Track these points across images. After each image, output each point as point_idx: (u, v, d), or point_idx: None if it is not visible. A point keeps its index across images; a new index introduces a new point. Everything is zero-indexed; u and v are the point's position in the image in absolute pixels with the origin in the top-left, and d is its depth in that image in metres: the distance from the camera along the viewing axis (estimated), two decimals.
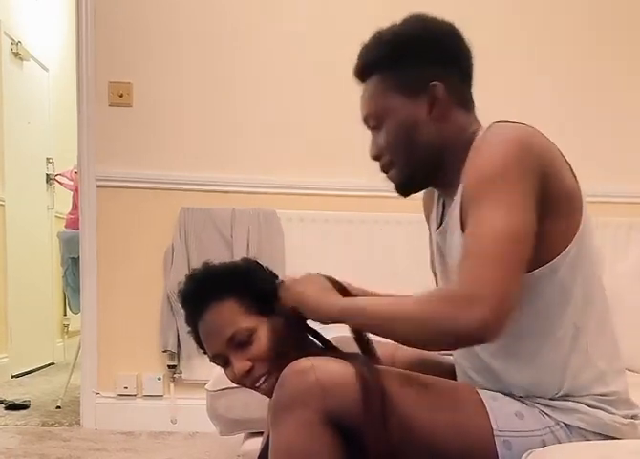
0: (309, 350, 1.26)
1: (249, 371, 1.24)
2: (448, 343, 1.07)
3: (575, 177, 1.14)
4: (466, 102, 1.22)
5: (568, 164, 1.14)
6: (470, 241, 1.04)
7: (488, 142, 1.11)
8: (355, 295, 1.34)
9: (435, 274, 1.40)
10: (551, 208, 1.08)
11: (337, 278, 1.33)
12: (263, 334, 1.24)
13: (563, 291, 1.11)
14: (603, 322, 1.16)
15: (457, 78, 1.20)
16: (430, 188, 1.32)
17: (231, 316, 1.25)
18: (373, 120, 1.22)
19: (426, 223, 1.39)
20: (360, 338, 1.27)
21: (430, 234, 1.36)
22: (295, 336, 1.27)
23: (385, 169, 1.24)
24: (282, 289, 1.25)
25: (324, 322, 1.19)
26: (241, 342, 1.24)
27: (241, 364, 1.24)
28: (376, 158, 1.24)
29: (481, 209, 1.04)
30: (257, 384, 1.26)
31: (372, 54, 1.21)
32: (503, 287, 0.98)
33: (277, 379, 1.20)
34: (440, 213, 1.27)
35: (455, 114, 1.19)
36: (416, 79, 1.17)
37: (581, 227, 1.12)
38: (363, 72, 1.23)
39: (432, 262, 1.39)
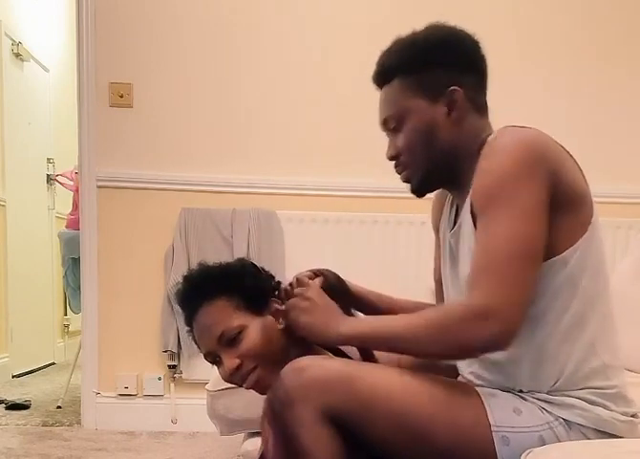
0: (300, 348, 1.28)
1: (238, 368, 1.26)
2: (466, 356, 1.18)
3: (584, 178, 1.17)
4: (481, 107, 1.25)
5: (578, 167, 1.17)
6: (483, 254, 1.07)
7: (497, 146, 1.13)
8: (360, 298, 1.36)
9: (437, 282, 1.41)
10: (563, 205, 1.11)
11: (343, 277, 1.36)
12: (252, 332, 1.26)
13: (571, 282, 1.13)
14: (608, 317, 1.18)
15: (473, 84, 1.24)
16: (438, 195, 1.37)
17: (221, 314, 1.27)
18: (394, 121, 1.25)
19: (431, 229, 1.41)
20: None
21: (436, 242, 1.37)
22: (286, 336, 1.29)
23: (400, 170, 1.28)
24: (287, 308, 1.27)
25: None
26: (230, 340, 1.26)
27: (230, 362, 1.26)
28: (394, 158, 1.28)
29: (495, 217, 1.07)
30: (245, 381, 1.28)
31: (393, 60, 1.25)
32: (517, 302, 1.05)
33: (264, 373, 1.24)
34: (454, 215, 1.29)
35: (470, 118, 1.23)
36: (436, 83, 1.21)
37: (592, 223, 1.14)
38: (384, 77, 1.26)
39: (436, 269, 1.40)
